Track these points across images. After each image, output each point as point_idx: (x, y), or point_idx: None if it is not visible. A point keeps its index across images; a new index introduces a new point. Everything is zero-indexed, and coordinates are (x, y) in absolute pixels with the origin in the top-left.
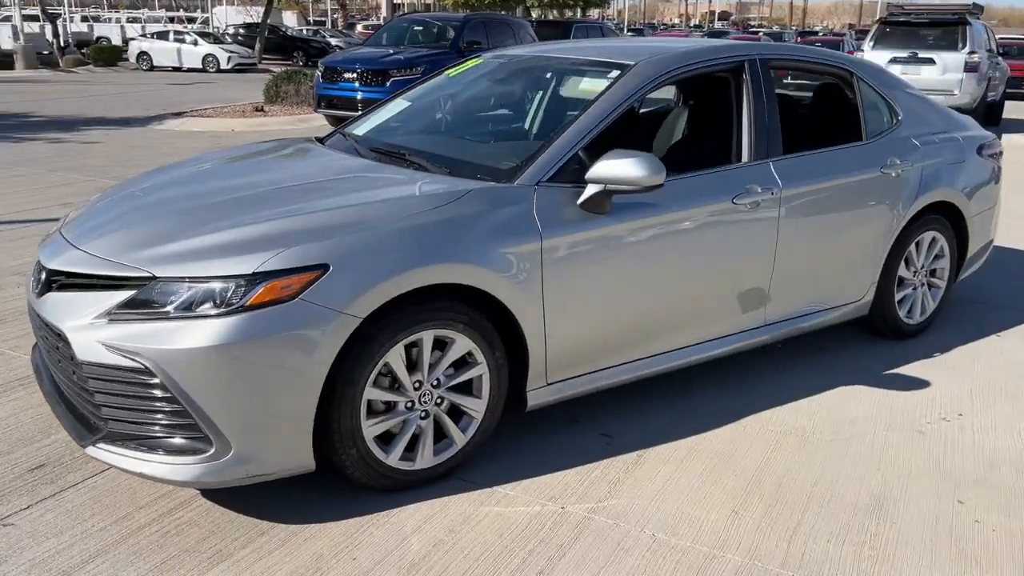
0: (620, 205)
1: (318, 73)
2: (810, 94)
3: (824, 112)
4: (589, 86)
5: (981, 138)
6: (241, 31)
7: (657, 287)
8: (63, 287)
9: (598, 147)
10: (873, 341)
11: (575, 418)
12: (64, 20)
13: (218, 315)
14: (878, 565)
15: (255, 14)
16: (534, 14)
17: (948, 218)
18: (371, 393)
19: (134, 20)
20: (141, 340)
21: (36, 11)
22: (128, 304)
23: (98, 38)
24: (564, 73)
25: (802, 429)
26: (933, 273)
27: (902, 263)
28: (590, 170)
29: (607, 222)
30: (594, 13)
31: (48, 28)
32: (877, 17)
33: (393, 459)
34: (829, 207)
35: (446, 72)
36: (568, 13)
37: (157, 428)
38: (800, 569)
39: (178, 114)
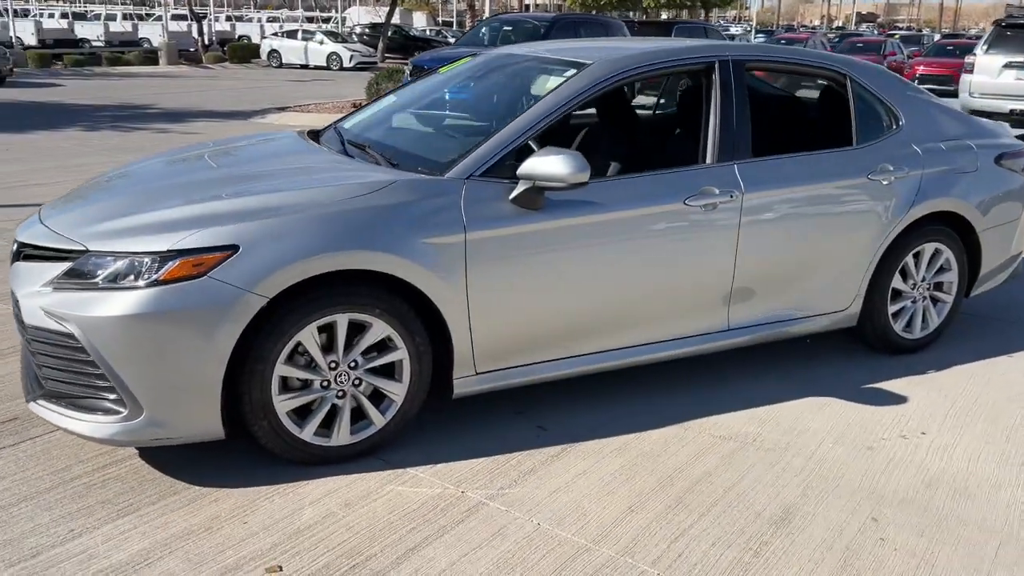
0: (558, 202)
1: (407, 71)
2: (807, 97)
3: (813, 115)
4: (552, 84)
5: (1004, 147)
6: (367, 31)
7: (597, 285)
8: (27, 257)
9: (548, 143)
10: (867, 354)
11: (519, 409)
12: (209, 20)
13: (135, 288)
14: (751, 572)
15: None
16: (663, 15)
17: (956, 230)
18: (284, 370)
19: (273, 20)
20: (71, 307)
21: (186, 11)
22: (67, 274)
23: (239, 37)
24: (534, 72)
25: (746, 436)
26: (938, 287)
27: (896, 275)
28: (520, 167)
29: (540, 218)
30: (728, 14)
31: (194, 27)
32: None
33: (307, 434)
34: (803, 213)
35: (440, 70)
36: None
37: (82, 389)
38: (669, 569)
39: (281, 109)
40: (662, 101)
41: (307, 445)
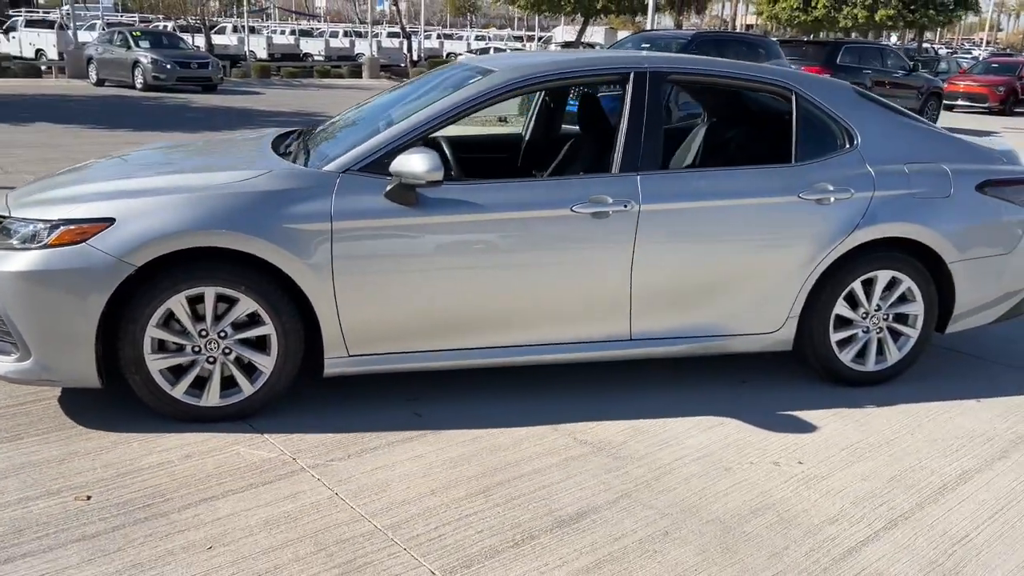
0: (435, 200)
1: None
2: (765, 112)
3: (754, 131)
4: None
5: (991, 174)
6: (559, 48)
7: (476, 283)
8: None
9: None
10: (810, 382)
11: (413, 396)
12: (419, 37)
13: (30, 249)
14: (492, 559)
15: (593, 33)
16: (872, 35)
17: (923, 259)
18: (156, 332)
19: (481, 39)
20: None
21: (398, 29)
22: (1, 234)
23: (448, 54)
24: (469, 79)
25: (608, 443)
26: (900, 319)
27: (841, 301)
28: (391, 164)
29: (413, 214)
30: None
31: (404, 44)
32: None
33: (178, 392)
34: (713, 228)
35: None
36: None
37: None
38: (419, 547)
39: None
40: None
41: (177, 402)
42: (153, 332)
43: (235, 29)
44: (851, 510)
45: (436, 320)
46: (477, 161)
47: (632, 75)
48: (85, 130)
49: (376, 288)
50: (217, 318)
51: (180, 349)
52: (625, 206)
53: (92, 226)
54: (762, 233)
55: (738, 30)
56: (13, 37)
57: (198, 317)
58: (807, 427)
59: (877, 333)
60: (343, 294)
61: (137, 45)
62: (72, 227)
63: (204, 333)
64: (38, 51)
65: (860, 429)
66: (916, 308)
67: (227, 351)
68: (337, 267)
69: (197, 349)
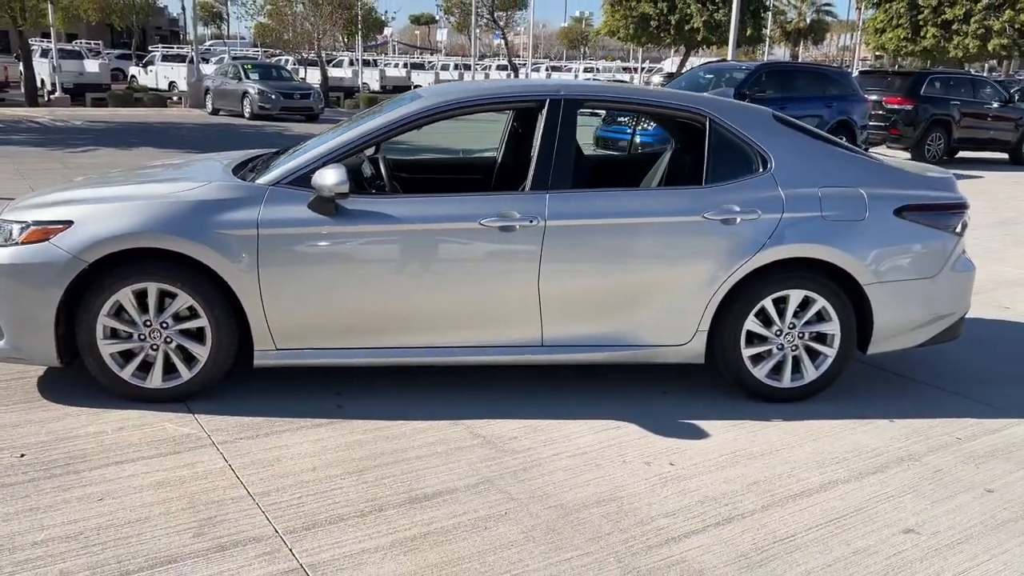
0: (355, 211)
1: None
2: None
3: (675, 155)
4: None
5: (910, 199)
6: (665, 79)
7: (390, 287)
8: None
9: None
10: (732, 399)
11: (340, 390)
12: (527, 69)
13: (7, 246)
14: (326, 529)
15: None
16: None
17: (839, 281)
18: (107, 321)
19: (589, 69)
20: None
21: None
22: None
23: None
24: (403, 103)
25: (499, 438)
26: (820, 338)
27: (752, 318)
28: (312, 178)
29: (332, 223)
30: None
31: (511, 75)
32: None
33: (126, 374)
34: (618, 244)
35: None
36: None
37: None
38: (271, 506)
39: None
40: (518, 132)
41: (125, 383)
42: (104, 321)
43: (351, 63)
44: (694, 507)
45: (355, 320)
46: (447, 181)
47: (547, 101)
48: (180, 154)
49: (298, 289)
50: (160, 310)
51: (129, 337)
52: (531, 221)
53: (54, 227)
54: (667, 250)
55: (866, 61)
56: (151, 70)
57: (145, 309)
58: (699, 434)
59: (792, 351)
60: (268, 293)
61: (248, 77)
62: (39, 228)
63: (148, 323)
64: (171, 83)
65: (751, 439)
66: (832, 328)
67: (168, 340)
68: (262, 269)
69: (143, 337)
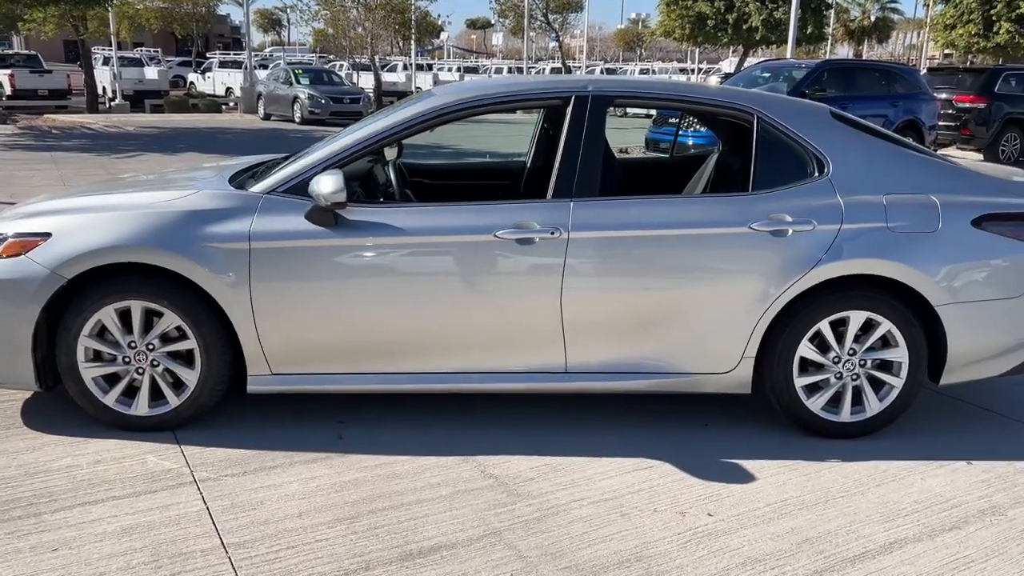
0: (356, 222)
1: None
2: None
3: (720, 158)
4: None
5: (993, 207)
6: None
7: (398, 306)
8: None
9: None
10: (783, 433)
11: (343, 419)
12: (582, 72)
13: None
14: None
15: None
16: None
17: (907, 300)
18: (88, 342)
19: (645, 71)
20: None
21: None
22: None
23: None
24: (414, 103)
25: (514, 479)
26: (884, 366)
27: (806, 342)
28: (309, 185)
29: (331, 236)
30: None
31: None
32: None
33: (109, 400)
34: (652, 259)
35: None
36: None
37: None
38: (254, 566)
39: None
40: (549, 134)
41: (108, 410)
42: (86, 342)
43: (405, 67)
44: (733, 572)
45: (358, 343)
46: (471, 188)
47: (573, 99)
48: (224, 159)
49: (295, 308)
50: (147, 331)
51: (113, 359)
52: (553, 233)
53: (31, 240)
54: (707, 265)
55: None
56: (208, 77)
57: (130, 329)
58: (744, 477)
59: (853, 380)
60: (261, 313)
61: (298, 82)
62: (16, 240)
63: (133, 345)
64: (227, 89)
65: (804, 485)
66: (899, 354)
67: (155, 363)
68: (255, 286)
69: (127, 360)
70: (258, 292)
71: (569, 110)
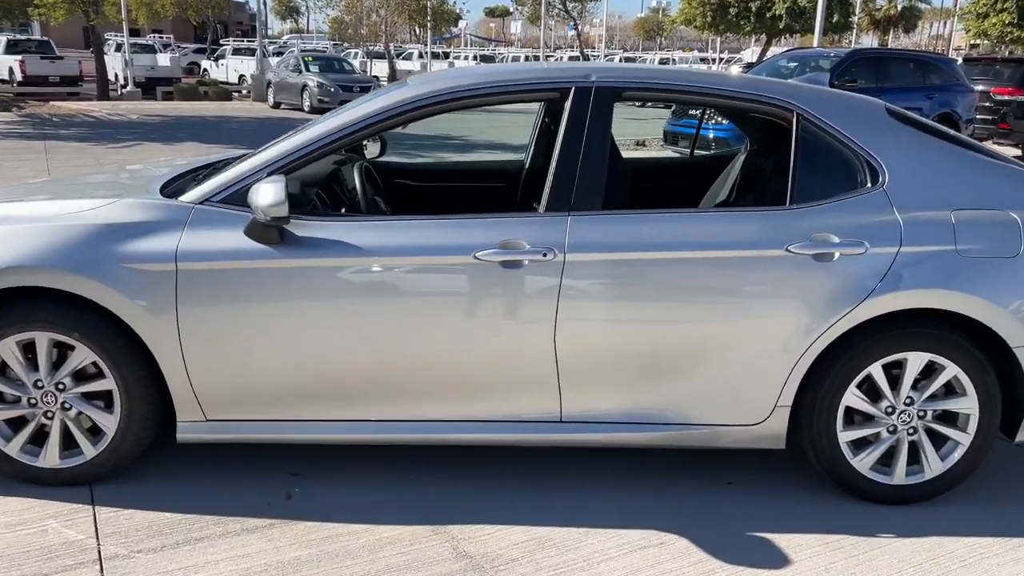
0: (306, 240)
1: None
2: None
3: (749, 164)
4: None
5: None
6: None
7: (354, 342)
8: None
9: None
10: (821, 494)
11: (296, 470)
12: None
13: None
14: None
15: None
16: None
17: (978, 340)
18: None
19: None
20: None
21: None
22: None
23: None
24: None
25: (488, 559)
26: (946, 418)
27: (853, 389)
28: (248, 194)
29: (275, 255)
30: None
31: None
32: None
33: (12, 449)
34: (666, 287)
35: None
36: None
37: None
38: None
39: None
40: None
41: (11, 460)
42: None
43: (420, 55)
44: None
45: (310, 385)
46: (462, 194)
47: (572, 91)
48: (225, 149)
49: (232, 343)
50: (57, 367)
51: (16, 401)
52: (545, 255)
53: None
54: (734, 296)
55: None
56: (222, 64)
57: (35, 365)
58: (775, 558)
59: (909, 435)
60: (191, 347)
61: (308, 69)
62: None
63: (40, 384)
64: (240, 76)
65: (850, 568)
66: (968, 404)
67: (66, 406)
68: (184, 315)
69: (33, 402)
70: (187, 323)
71: (568, 104)
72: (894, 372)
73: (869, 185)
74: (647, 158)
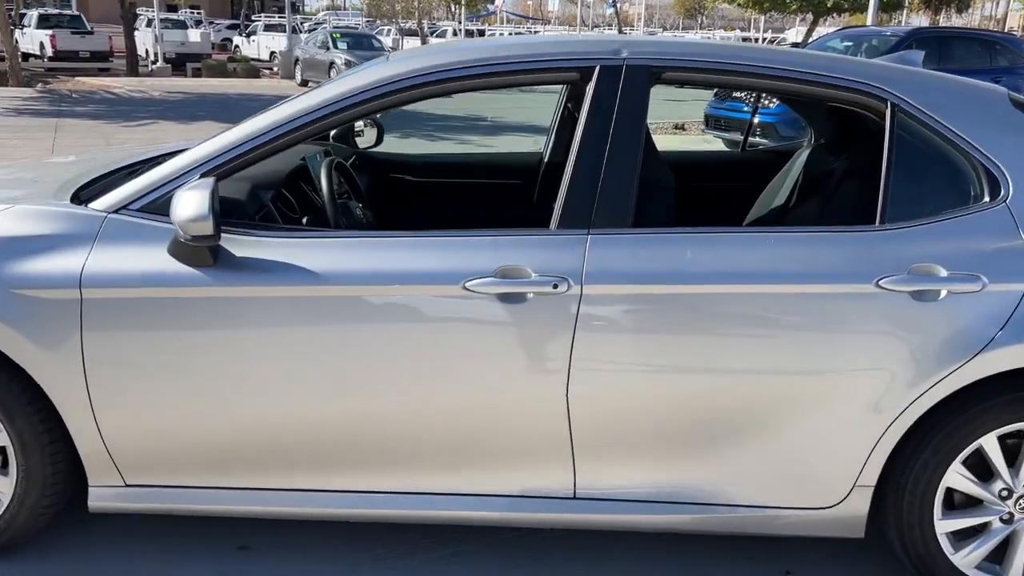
0: (248, 261)
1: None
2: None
3: (809, 158)
4: None
5: None
6: None
7: (314, 390)
8: None
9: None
10: None
11: (245, 543)
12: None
13: None
14: None
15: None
16: None
17: None
18: None
19: (745, 40)
20: None
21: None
22: None
23: None
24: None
25: None
26: None
27: (957, 467)
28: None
29: (207, 281)
30: None
31: None
32: None
33: None
34: (713, 331)
35: None
36: None
37: None
38: None
39: None
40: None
41: None
42: None
43: (454, 33)
44: None
45: (254, 445)
46: (470, 191)
47: (597, 71)
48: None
49: (154, 390)
50: None
51: None
52: (556, 286)
53: None
54: (803, 343)
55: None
56: (253, 40)
57: None
58: None
59: None
60: (102, 395)
61: (336, 46)
62: None
63: None
64: (271, 53)
65: None
66: None
67: None
68: (91, 355)
69: None
70: (96, 364)
71: (591, 88)
72: (1009, 442)
73: (987, 200)
74: (687, 153)
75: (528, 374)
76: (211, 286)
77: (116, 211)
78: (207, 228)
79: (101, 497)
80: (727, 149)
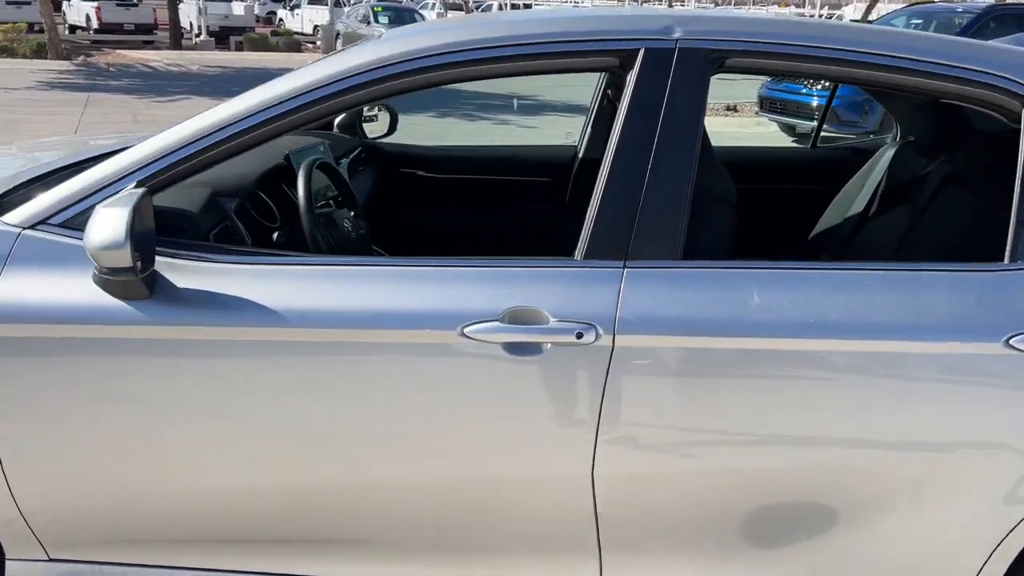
0: (198, 294)
1: None
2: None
3: (895, 158)
4: None
5: None
6: None
7: (275, 453)
8: None
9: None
10: None
11: None
12: None
13: None
14: None
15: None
16: None
17: None
18: None
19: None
20: None
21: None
22: None
23: None
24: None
25: None
26: None
27: None
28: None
29: (139, 317)
30: None
31: None
32: None
33: None
34: (782, 399)
35: None
36: None
37: None
38: None
39: None
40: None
41: None
42: None
43: (500, 7)
44: None
45: (196, 517)
46: (491, 189)
47: (641, 55)
48: None
49: (78, 448)
50: None
51: None
52: (580, 335)
53: None
54: (905, 415)
55: None
56: (297, 14)
57: None
58: None
59: None
60: (14, 453)
61: (376, 20)
62: None
63: None
64: (315, 27)
65: None
66: None
67: None
68: (1, 402)
69: None
70: (7, 416)
71: (632, 77)
72: None
73: None
74: (744, 150)
75: (543, 446)
76: (143, 324)
77: (32, 226)
78: (123, 259)
79: (20, 572)
80: (790, 140)
